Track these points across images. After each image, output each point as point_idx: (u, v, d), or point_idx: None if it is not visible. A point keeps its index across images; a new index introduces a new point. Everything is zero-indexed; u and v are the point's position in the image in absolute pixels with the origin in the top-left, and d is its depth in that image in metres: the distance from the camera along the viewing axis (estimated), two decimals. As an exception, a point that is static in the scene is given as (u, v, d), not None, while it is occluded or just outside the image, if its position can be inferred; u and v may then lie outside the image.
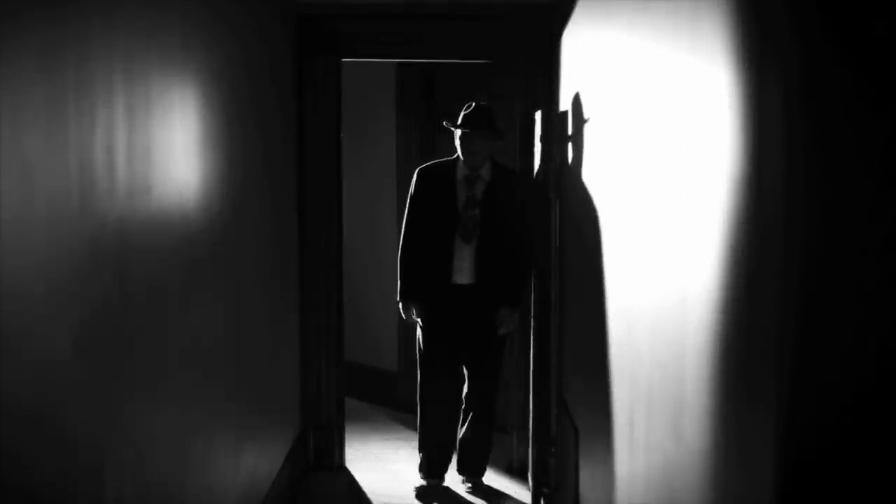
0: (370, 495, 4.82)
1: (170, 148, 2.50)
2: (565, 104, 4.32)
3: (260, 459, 3.86)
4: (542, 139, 4.36)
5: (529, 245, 4.52)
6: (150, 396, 2.31)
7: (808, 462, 1.37)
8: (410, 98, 6.35)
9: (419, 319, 4.65)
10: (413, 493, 4.74)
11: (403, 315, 4.71)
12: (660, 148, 2.36)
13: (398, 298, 4.69)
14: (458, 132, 4.54)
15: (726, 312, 1.77)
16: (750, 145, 1.62)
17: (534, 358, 4.41)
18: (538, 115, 4.46)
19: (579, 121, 3.84)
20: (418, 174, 4.71)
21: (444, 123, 4.63)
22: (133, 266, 2.16)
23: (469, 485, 4.80)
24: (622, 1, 2.84)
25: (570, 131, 4.11)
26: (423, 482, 4.77)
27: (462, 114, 4.54)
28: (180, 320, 2.58)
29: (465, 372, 4.71)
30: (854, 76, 1.24)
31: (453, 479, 4.90)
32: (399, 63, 6.31)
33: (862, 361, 1.19)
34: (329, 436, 5.21)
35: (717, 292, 1.82)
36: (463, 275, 4.55)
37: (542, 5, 4.85)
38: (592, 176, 3.49)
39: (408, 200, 4.71)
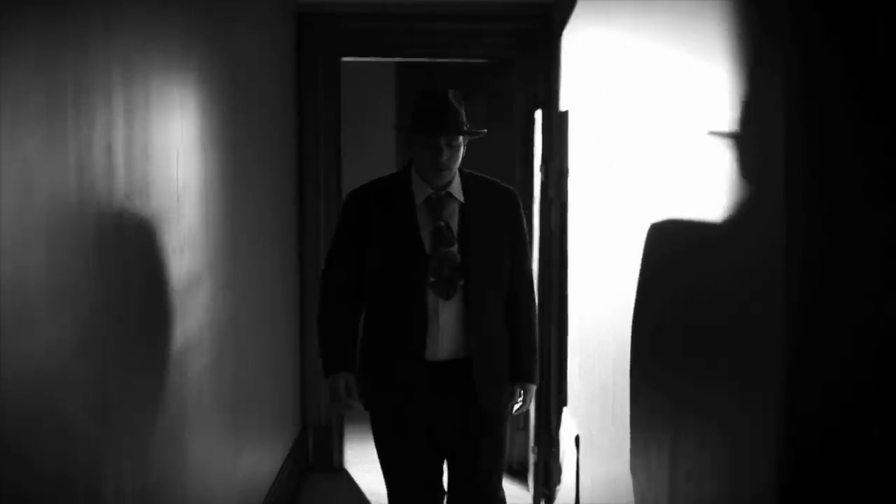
0: (369, 496, 4.81)
1: (168, 147, 2.50)
2: (565, 104, 4.31)
3: (260, 460, 3.85)
4: (543, 139, 4.35)
5: (530, 287, 3.09)
6: (150, 396, 2.31)
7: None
8: (410, 97, 6.33)
9: (360, 403, 3.03)
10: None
11: (334, 395, 3.02)
12: (661, 146, 2.35)
13: (324, 373, 3.04)
14: (419, 139, 2.95)
15: (727, 310, 1.77)
16: (750, 143, 1.61)
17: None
18: (538, 115, 4.45)
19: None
20: (351, 200, 3.02)
21: (396, 127, 3.08)
22: (133, 266, 2.16)
23: None
24: (622, 1, 2.84)
25: (570, 131, 4.11)
26: None
27: (422, 110, 3.00)
28: (180, 321, 2.58)
29: (449, 478, 3.12)
30: (855, 75, 1.24)
31: None
32: (399, 62, 6.31)
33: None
34: (329, 437, 5.21)
35: (719, 288, 1.81)
36: (444, 346, 2.90)
37: (542, 5, 4.86)
38: (594, 175, 3.49)
39: (334, 238, 3.06)
